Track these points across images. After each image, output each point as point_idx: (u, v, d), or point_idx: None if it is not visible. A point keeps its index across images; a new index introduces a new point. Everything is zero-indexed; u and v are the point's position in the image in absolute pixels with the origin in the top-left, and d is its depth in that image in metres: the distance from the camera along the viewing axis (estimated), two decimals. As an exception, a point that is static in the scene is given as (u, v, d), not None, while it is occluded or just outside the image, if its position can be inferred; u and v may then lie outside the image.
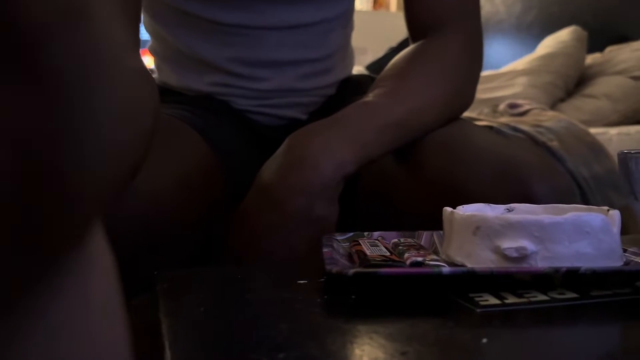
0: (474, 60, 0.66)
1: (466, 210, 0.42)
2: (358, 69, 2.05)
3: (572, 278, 0.35)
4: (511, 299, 0.33)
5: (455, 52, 0.63)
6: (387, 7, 3.52)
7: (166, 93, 0.71)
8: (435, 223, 0.44)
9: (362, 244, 0.44)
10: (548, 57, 2.21)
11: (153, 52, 0.74)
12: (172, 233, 0.48)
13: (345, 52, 0.77)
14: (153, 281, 0.38)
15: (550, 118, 1.48)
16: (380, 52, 2.65)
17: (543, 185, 0.51)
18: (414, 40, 0.66)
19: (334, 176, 0.51)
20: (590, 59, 2.23)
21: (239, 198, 0.58)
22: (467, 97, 0.65)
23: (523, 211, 0.44)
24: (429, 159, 0.56)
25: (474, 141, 0.57)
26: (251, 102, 0.71)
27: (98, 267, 0.19)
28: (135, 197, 0.45)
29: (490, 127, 1.30)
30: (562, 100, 2.16)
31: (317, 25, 0.69)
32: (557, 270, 0.35)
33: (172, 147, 0.53)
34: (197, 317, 0.32)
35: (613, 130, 1.74)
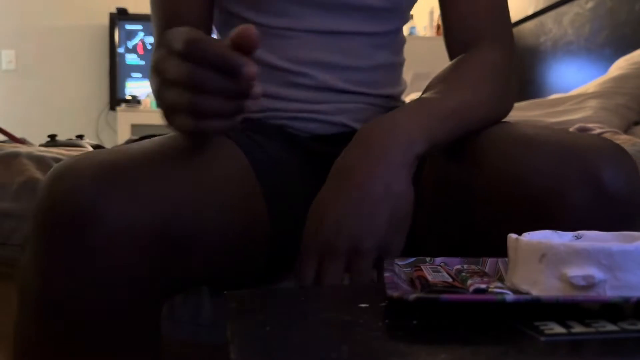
0: (510, 73, 0.70)
1: (532, 237, 0.41)
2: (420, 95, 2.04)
3: (643, 308, 0.34)
4: (578, 328, 0.33)
5: (493, 62, 0.67)
6: (451, 32, 3.51)
7: None
8: (499, 214, 0.46)
9: (424, 269, 0.44)
10: (621, 79, 2.12)
11: None
12: (209, 248, 0.52)
13: (392, 73, 0.81)
14: (225, 301, 0.40)
15: (623, 142, 1.42)
16: (443, 77, 2.63)
17: (612, 169, 0.49)
18: (453, 58, 0.71)
19: (408, 155, 0.56)
20: (667, 80, 2.13)
21: (284, 219, 0.62)
22: (507, 104, 0.68)
23: (591, 238, 0.43)
24: (489, 150, 0.57)
25: (534, 131, 0.57)
26: (299, 105, 0.74)
27: None
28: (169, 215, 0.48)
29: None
30: (637, 123, 2.06)
31: (356, 36, 0.74)
32: (627, 300, 0.34)
33: (214, 168, 0.56)
34: (262, 337, 0.33)
35: (693, 155, 1.65)
